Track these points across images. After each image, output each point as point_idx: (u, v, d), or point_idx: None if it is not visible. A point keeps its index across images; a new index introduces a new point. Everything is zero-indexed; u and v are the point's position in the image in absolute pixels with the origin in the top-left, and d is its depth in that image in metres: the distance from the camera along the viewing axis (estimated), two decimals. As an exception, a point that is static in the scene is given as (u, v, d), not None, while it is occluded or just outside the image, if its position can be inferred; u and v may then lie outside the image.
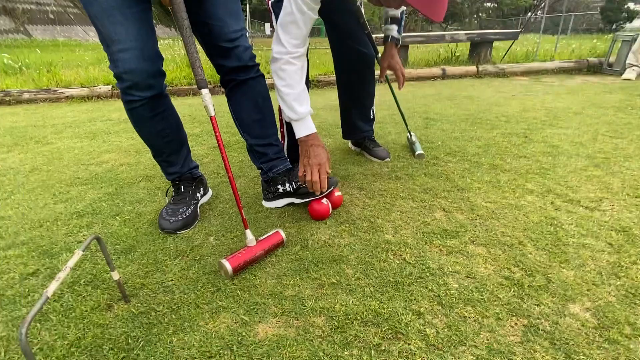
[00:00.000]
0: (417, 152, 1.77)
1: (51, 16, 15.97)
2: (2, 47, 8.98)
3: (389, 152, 1.80)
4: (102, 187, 1.56)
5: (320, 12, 1.24)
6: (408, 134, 1.93)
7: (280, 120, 1.57)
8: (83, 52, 8.39)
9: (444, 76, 4.36)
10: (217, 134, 1.05)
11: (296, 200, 1.35)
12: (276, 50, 1.17)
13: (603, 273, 0.95)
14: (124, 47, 0.99)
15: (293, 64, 1.18)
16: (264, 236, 1.09)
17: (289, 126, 1.51)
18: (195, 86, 3.82)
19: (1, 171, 1.77)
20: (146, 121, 1.15)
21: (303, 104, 1.20)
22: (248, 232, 1.05)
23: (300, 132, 1.22)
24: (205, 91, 1.01)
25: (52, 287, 0.61)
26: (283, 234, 1.11)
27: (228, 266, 0.96)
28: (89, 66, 5.11)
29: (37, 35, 14.14)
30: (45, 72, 4.36)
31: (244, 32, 1.16)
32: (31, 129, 2.54)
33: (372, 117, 1.83)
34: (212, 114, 1.03)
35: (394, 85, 1.79)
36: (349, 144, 1.97)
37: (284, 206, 1.37)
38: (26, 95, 3.57)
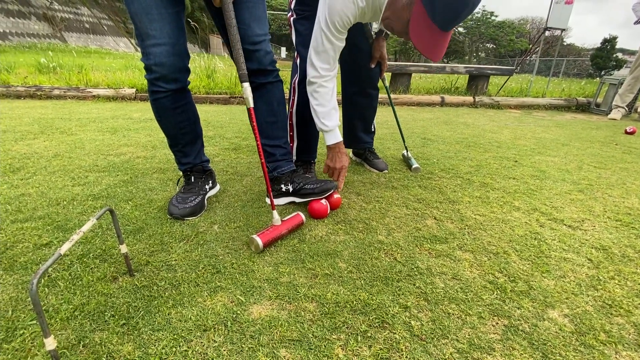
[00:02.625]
0: (413, 166, 1.79)
1: (87, 26, 16.44)
2: (39, 49, 9.21)
3: (387, 164, 1.82)
4: (118, 175, 1.58)
5: None
6: (404, 151, 1.95)
7: (290, 124, 1.59)
8: (112, 59, 8.58)
9: (443, 104, 4.42)
10: (253, 124, 1.11)
11: (297, 200, 1.36)
12: (311, 74, 1.25)
13: (582, 285, 0.95)
14: (158, 42, 1.02)
15: (325, 87, 1.27)
16: (287, 217, 1.16)
17: (299, 130, 1.54)
18: (212, 95, 3.92)
19: (26, 155, 1.80)
20: (168, 112, 1.17)
21: (332, 119, 1.31)
22: (274, 212, 1.11)
23: (329, 140, 1.34)
24: (246, 84, 1.07)
25: (65, 246, 0.61)
26: (303, 216, 1.18)
27: (259, 241, 1.01)
28: (117, 71, 5.22)
29: (72, 42, 14.51)
30: (76, 73, 4.46)
31: (267, 37, 1.17)
32: (58, 121, 2.59)
33: (373, 130, 1.85)
34: (251, 105, 1.09)
35: (397, 108, 1.82)
36: (350, 153, 1.99)
37: (285, 204, 1.38)
38: (56, 92, 3.64)
